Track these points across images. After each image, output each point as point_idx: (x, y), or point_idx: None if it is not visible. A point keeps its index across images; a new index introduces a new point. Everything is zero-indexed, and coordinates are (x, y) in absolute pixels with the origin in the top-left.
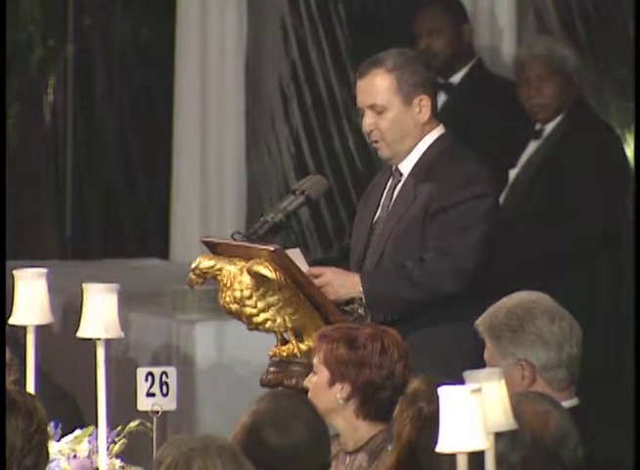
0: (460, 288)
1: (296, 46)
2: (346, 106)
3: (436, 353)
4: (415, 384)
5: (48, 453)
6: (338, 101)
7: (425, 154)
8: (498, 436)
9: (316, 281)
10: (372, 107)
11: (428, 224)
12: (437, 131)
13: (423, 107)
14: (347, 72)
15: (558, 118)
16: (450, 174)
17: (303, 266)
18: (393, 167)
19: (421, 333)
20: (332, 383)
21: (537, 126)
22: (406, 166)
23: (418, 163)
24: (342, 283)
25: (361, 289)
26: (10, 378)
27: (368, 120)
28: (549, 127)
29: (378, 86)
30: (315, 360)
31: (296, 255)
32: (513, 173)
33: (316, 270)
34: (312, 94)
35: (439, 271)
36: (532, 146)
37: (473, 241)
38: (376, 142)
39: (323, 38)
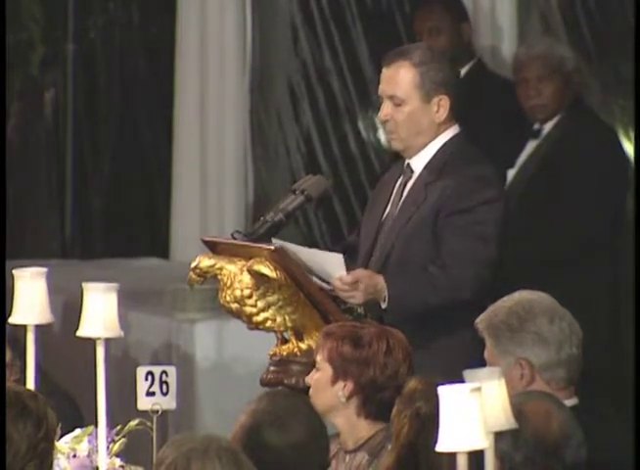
0: (479, 293)
1: (306, 45)
2: (361, 104)
3: (436, 352)
4: (412, 384)
5: (52, 463)
6: (353, 98)
7: (438, 153)
8: (501, 435)
9: (348, 287)
10: (391, 97)
11: (441, 226)
12: (452, 131)
13: (441, 106)
14: (363, 71)
15: (556, 118)
16: (463, 177)
17: (342, 272)
18: (405, 164)
19: (422, 332)
20: (334, 380)
21: (536, 126)
22: (418, 164)
23: (430, 161)
24: (373, 290)
25: (386, 293)
26: (11, 378)
27: (385, 110)
28: (547, 127)
29: (400, 78)
30: (318, 357)
31: (337, 260)
32: (511, 173)
33: (351, 277)
34: (324, 93)
35: (463, 277)
36: (531, 146)
37: (492, 246)
38: (390, 133)
39: (336, 37)
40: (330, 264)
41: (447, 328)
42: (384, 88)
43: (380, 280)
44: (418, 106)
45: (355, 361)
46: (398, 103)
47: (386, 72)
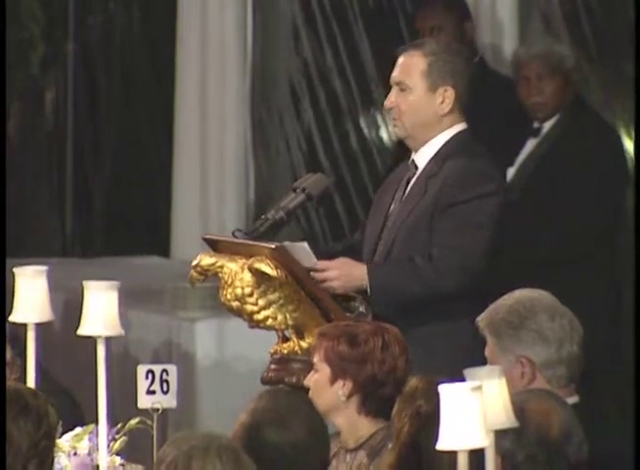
0: (467, 285)
1: (307, 44)
2: (362, 102)
3: (436, 350)
4: (413, 382)
5: (52, 461)
6: (354, 96)
7: (442, 148)
8: (504, 433)
9: (322, 275)
10: (398, 83)
11: (437, 217)
12: (458, 127)
13: (446, 97)
14: (364, 69)
15: (556, 117)
16: (462, 170)
17: (312, 260)
18: (410, 161)
19: (421, 329)
20: (333, 380)
21: (535, 124)
22: (422, 160)
23: (434, 157)
24: (349, 278)
25: (368, 282)
26: (12, 376)
27: (391, 98)
28: (547, 125)
29: (409, 66)
30: (315, 359)
31: (303, 249)
32: (511, 172)
33: (322, 264)
34: (325, 91)
35: (448, 268)
36: (531, 144)
37: (483, 239)
38: (394, 119)
39: (338, 35)
40: (300, 255)
41: (441, 319)
42: (394, 75)
43: (357, 268)
44: (422, 95)
45: (353, 360)
46: (404, 89)
47: (399, 61)
